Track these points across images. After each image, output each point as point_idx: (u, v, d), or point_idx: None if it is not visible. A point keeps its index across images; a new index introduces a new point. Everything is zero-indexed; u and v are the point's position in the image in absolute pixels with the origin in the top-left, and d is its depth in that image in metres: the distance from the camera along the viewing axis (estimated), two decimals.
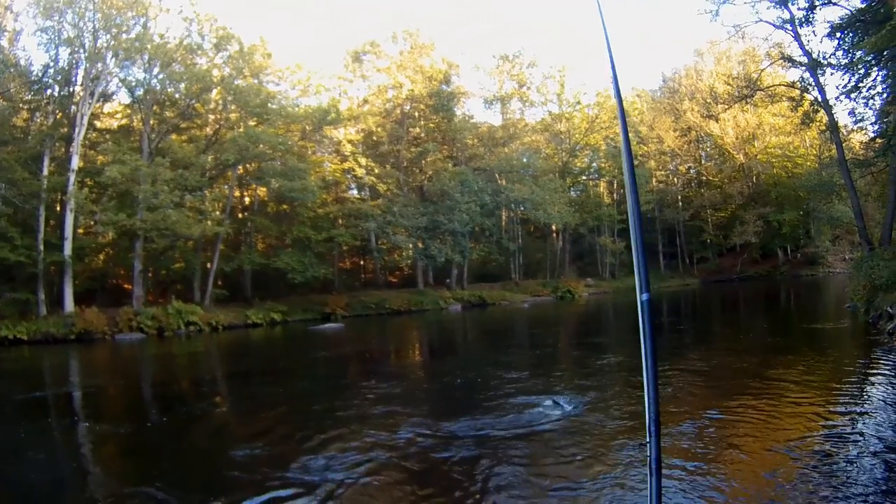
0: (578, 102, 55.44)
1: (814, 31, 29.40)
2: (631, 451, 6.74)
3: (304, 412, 10.14)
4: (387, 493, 6.12)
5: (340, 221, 38.86)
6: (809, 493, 5.32)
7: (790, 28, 25.53)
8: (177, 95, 31.97)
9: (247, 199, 38.46)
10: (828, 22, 23.15)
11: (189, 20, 31.50)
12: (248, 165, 34.18)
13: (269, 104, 33.77)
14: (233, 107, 33.01)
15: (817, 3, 23.03)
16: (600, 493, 5.65)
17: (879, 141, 22.14)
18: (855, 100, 21.26)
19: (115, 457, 8.34)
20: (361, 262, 46.74)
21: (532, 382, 11.77)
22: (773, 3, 25.50)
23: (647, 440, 1.95)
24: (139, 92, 30.46)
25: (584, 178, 59.86)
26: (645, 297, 2.14)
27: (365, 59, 42.42)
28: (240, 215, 36.79)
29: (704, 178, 63.89)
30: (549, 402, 9.44)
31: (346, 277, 42.10)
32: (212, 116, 33.97)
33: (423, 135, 44.11)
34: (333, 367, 17.01)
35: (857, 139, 33.41)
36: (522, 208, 48.02)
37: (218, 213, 33.12)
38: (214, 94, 33.00)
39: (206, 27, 32.10)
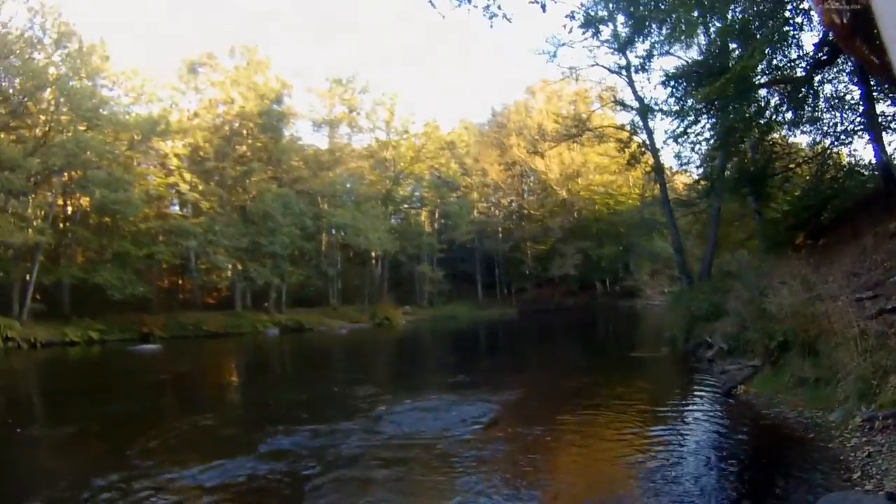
0: (406, 131, 66.10)
1: (648, 79, 36.16)
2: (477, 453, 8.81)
3: (153, 429, 11.30)
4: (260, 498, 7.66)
5: (161, 238, 44.81)
6: (632, 499, 6.92)
7: (625, 74, 30.41)
8: (10, 91, 36.22)
9: (69, 209, 42.65)
10: (662, 70, 28.03)
11: (34, 11, 36.08)
12: (73, 172, 38.72)
13: (101, 110, 39.30)
14: (65, 108, 37.64)
15: (655, 52, 25.99)
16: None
17: (703, 183, 26.70)
18: (682, 144, 24.08)
19: None
20: (180, 282, 52.44)
21: (369, 402, 13.87)
22: (611, 50, 30.14)
23: None
24: None
25: (405, 206, 70.43)
26: None
27: (200, 70, 49.31)
28: (61, 225, 41.28)
29: (526, 211, 75.46)
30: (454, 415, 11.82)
31: (163, 296, 47.67)
32: (42, 117, 38.17)
33: (249, 153, 51.54)
34: (166, 387, 19.45)
35: (680, 180, 41.97)
36: (343, 233, 56.37)
37: (40, 221, 37.37)
38: (48, 93, 37.51)
39: (49, 21, 36.85)
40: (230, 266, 47.14)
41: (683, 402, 12.70)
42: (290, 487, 7.81)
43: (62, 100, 37.37)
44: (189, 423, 12.35)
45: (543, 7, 19.80)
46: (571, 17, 26.88)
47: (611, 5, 27.67)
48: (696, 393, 13.43)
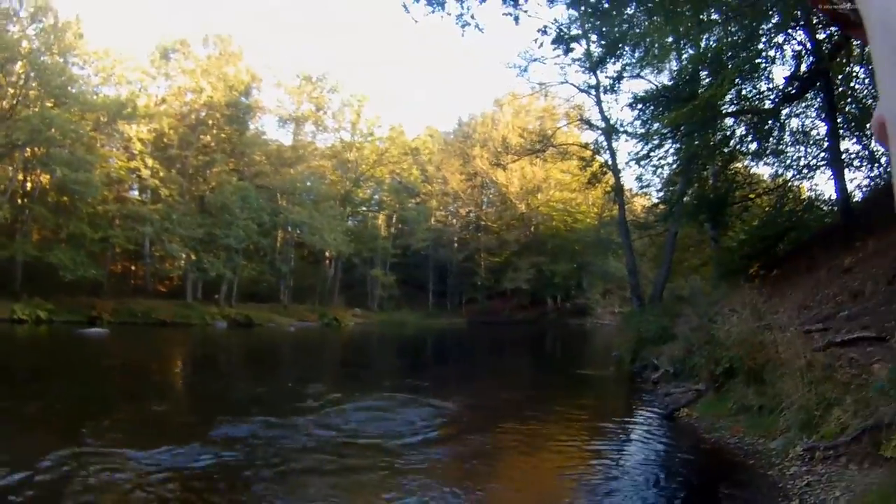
0: (371, 134, 66.87)
1: (616, 100, 35.98)
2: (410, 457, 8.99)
3: (105, 412, 11.65)
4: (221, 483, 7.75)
5: (118, 222, 44.87)
6: None
7: (593, 93, 30.81)
8: None
9: (29, 185, 42.58)
10: (631, 92, 28.18)
11: None
12: (36, 149, 38.97)
13: (70, 88, 39.71)
14: (34, 83, 38.02)
15: (625, 74, 26.27)
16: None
17: (662, 207, 26.47)
18: (644, 167, 24.01)
19: None
20: (133, 267, 52.29)
21: (317, 400, 13.79)
22: (582, 69, 30.47)
23: None
24: None
25: (364, 209, 71.34)
26: None
27: (172, 57, 49.42)
28: (19, 201, 41.26)
29: (483, 222, 76.59)
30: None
31: (115, 281, 47.43)
32: (11, 90, 38.33)
33: (213, 144, 52.01)
34: (116, 372, 19.38)
35: (639, 203, 42.25)
36: (299, 231, 57.13)
37: None
38: (18, 66, 37.76)
39: None
40: (184, 255, 47.20)
41: (626, 421, 13.00)
42: (237, 475, 8.00)
43: (32, 74, 37.67)
44: (140, 408, 12.55)
45: (517, 20, 20.32)
46: (544, 31, 26.84)
47: (586, 25, 27.96)
48: (639, 413, 13.72)
